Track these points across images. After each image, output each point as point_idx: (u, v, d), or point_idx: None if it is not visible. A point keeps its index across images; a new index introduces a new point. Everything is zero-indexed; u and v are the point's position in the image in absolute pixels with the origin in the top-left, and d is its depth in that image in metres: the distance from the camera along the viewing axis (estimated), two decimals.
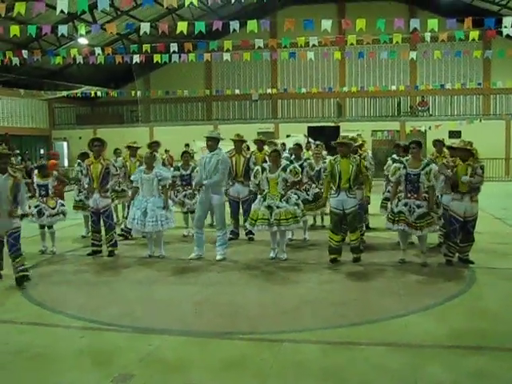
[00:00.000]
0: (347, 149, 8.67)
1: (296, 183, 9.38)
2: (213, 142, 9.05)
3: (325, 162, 10.16)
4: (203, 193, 9.08)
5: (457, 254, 8.50)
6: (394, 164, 8.73)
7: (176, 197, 11.02)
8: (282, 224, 8.66)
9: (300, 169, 9.30)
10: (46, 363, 4.99)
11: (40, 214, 9.73)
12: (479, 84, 26.63)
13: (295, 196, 9.16)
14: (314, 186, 10.63)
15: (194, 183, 9.72)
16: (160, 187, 9.19)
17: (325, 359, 4.98)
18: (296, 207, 8.83)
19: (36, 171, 10.34)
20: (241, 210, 10.87)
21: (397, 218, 8.32)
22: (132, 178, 9.60)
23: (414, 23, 13.43)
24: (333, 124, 27.95)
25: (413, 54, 19.28)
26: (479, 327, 5.73)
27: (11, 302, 6.96)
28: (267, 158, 9.86)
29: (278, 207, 8.68)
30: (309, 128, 26.63)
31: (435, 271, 8.14)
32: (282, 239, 9.03)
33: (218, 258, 8.98)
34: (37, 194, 10.00)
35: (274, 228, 8.72)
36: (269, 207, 8.71)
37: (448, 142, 11.19)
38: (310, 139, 19.57)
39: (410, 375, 4.60)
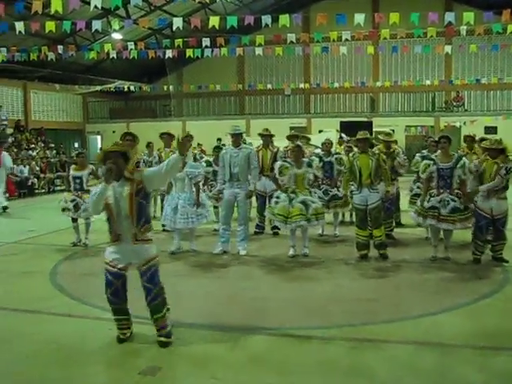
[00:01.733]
0: (366, 144, 8.61)
1: (317, 178, 9.44)
2: (237, 138, 9.06)
3: None
4: (228, 190, 9.08)
5: (487, 252, 8.35)
6: (424, 161, 8.60)
7: (210, 191, 11.04)
8: (320, 218, 8.74)
9: (328, 165, 9.29)
10: (74, 354, 5.04)
11: (76, 207, 9.84)
12: None
13: (318, 192, 9.38)
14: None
15: (218, 184, 9.58)
16: (192, 184, 9.17)
17: (353, 357, 4.93)
18: (320, 203, 8.96)
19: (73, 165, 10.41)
20: (267, 205, 10.83)
21: (430, 213, 8.19)
22: None
23: (450, 17, 13.22)
24: (366, 119, 27.69)
25: (448, 48, 18.93)
26: (511, 328, 5.61)
27: (42, 293, 7.05)
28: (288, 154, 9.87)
29: (313, 202, 8.70)
30: (341, 123, 26.39)
31: (467, 269, 7.99)
32: (303, 234, 8.97)
33: (242, 252, 9.02)
34: (71, 188, 10.11)
35: (314, 223, 8.73)
36: (303, 203, 8.66)
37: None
38: (343, 134, 19.41)
39: (439, 375, 4.52)
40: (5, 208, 15.39)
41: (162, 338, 5.17)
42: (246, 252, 9.04)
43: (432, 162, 8.29)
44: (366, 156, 8.55)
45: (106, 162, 5.06)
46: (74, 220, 10.07)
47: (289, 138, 11.59)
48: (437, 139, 8.94)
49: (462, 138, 10.57)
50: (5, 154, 16.52)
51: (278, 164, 9.11)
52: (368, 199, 8.51)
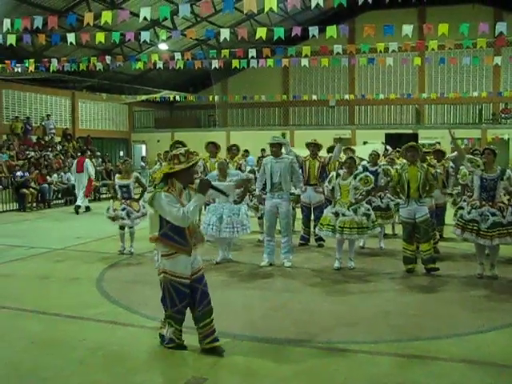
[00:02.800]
0: (417, 153, 8.45)
1: (370, 192, 9.18)
2: (277, 148, 9.02)
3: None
4: (269, 200, 9.06)
5: None
6: (464, 170, 8.39)
7: (251, 201, 11.05)
8: (345, 233, 8.51)
9: (372, 176, 9.08)
10: (120, 362, 5.08)
11: (128, 215, 9.96)
12: None
13: (367, 206, 8.94)
14: (388, 194, 10.36)
15: (257, 190, 9.58)
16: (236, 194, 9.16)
17: (401, 373, 4.83)
18: (364, 217, 8.61)
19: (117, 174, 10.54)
20: (312, 216, 10.78)
21: (469, 227, 8.00)
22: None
23: (501, 27, 12.95)
24: (411, 131, 27.35)
25: (497, 60, 18.58)
26: None
27: (89, 299, 7.15)
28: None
29: (343, 215, 8.54)
30: (386, 135, 26.13)
31: None
32: (350, 247, 8.87)
33: (287, 264, 8.95)
34: (119, 196, 10.24)
35: (337, 235, 8.58)
36: (336, 214, 8.61)
37: None
38: (388, 147, 19.21)
39: None
40: (87, 208, 17.53)
41: (217, 343, 5.21)
42: (291, 264, 8.98)
43: (480, 169, 8.05)
44: (415, 168, 8.41)
45: (185, 172, 5.11)
46: (122, 228, 10.19)
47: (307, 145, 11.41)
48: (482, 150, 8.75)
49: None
50: (87, 161, 18.26)
51: (330, 174, 9.18)
52: (416, 212, 8.36)
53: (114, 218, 10.06)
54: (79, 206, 17.30)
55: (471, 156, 8.51)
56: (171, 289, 5.17)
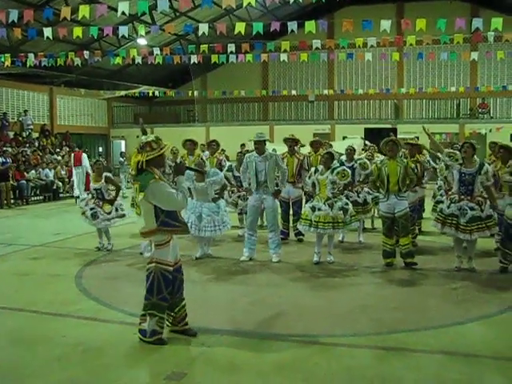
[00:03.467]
0: (396, 148, 8.52)
1: (347, 186, 9.22)
2: (261, 145, 9.00)
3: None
4: (254, 196, 9.06)
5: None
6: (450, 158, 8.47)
7: (230, 197, 11.06)
8: (320, 227, 8.54)
9: (349, 171, 9.13)
10: (100, 358, 5.07)
11: (94, 217, 9.90)
12: None
13: (346, 201, 8.93)
14: (366, 188, 10.43)
15: (244, 184, 9.60)
16: (215, 187, 9.17)
17: (379, 365, 4.88)
18: (341, 212, 8.60)
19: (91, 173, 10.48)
20: (291, 211, 10.83)
21: (448, 221, 8.10)
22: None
23: (477, 23, 13.05)
24: (390, 126, 27.52)
25: (474, 55, 18.76)
26: None
27: (68, 296, 7.11)
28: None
29: (319, 209, 8.57)
30: (365, 130, 26.30)
31: (493, 279, 7.87)
32: (329, 242, 8.92)
33: (275, 259, 8.94)
34: (94, 195, 10.20)
35: (312, 229, 8.62)
36: (313, 208, 8.64)
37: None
38: (367, 142, 19.34)
39: None
40: (77, 197, 17.67)
41: (188, 326, 5.62)
42: (280, 259, 8.98)
43: (458, 163, 8.14)
44: (394, 162, 8.47)
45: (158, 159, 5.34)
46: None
47: (312, 144, 11.48)
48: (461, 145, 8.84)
49: (488, 145, 10.41)
50: (84, 155, 19.56)
51: (311, 169, 9.19)
52: (395, 207, 8.42)
53: (82, 213, 10.06)
54: (78, 197, 17.53)
55: (450, 150, 8.58)
56: (160, 277, 5.32)
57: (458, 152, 8.38)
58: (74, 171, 19.37)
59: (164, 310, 5.42)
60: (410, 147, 9.84)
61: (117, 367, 4.87)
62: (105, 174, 10.18)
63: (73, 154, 20.11)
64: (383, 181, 8.46)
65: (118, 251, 10.01)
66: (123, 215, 10.17)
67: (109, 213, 9.95)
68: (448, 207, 8.14)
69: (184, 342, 5.41)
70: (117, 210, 10.08)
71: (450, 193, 8.56)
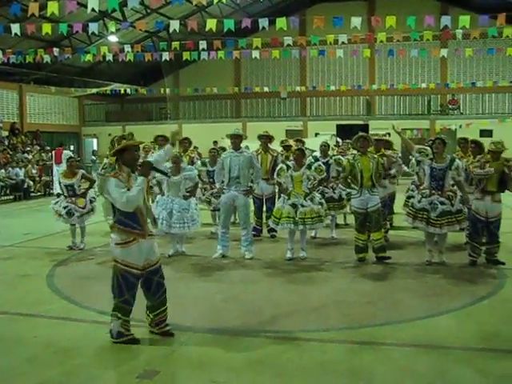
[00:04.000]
0: (367, 143, 8.62)
1: (322, 181, 9.28)
2: (238, 140, 9.03)
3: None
4: (226, 194, 9.06)
5: (483, 255, 8.38)
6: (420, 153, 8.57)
7: (203, 195, 11.05)
8: (307, 223, 8.59)
9: (325, 166, 9.20)
10: (72, 357, 5.02)
11: (69, 214, 9.82)
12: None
13: (319, 195, 9.09)
14: (340, 185, 10.51)
15: (217, 185, 9.65)
16: (187, 184, 9.15)
17: (351, 359, 4.92)
18: (320, 206, 8.74)
19: (60, 171, 10.42)
20: (264, 208, 10.87)
21: (419, 215, 8.19)
22: (157, 178, 8.95)
23: (446, 20, 13.21)
24: (362, 122, 27.72)
25: (444, 52, 18.99)
26: (510, 330, 5.61)
27: (40, 296, 7.03)
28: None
29: (302, 206, 8.60)
30: (337, 126, 26.44)
31: (463, 272, 8.01)
32: (302, 238, 8.97)
33: (248, 256, 8.96)
34: (65, 193, 10.08)
35: (300, 227, 8.63)
36: (293, 205, 8.64)
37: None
38: (338, 139, 19.46)
39: (437, 378, 4.52)
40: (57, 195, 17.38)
41: (168, 328, 5.43)
42: (252, 256, 8.99)
43: (429, 158, 8.25)
44: (367, 158, 8.54)
45: (127, 155, 5.17)
46: (72, 224, 10.04)
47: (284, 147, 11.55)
48: (433, 139, 8.94)
49: (457, 141, 10.53)
50: (65, 152, 18.70)
51: (278, 166, 9.15)
52: (368, 202, 8.50)
53: (57, 215, 9.94)
54: (59, 195, 17.44)
55: (421, 146, 8.68)
56: (120, 278, 5.17)
57: (428, 148, 8.49)
58: (54, 169, 19.16)
59: (128, 313, 5.26)
60: (376, 142, 9.88)
61: (89, 367, 4.83)
62: (81, 171, 10.24)
63: (53, 152, 20.04)
64: (356, 176, 8.50)
65: (90, 250, 9.92)
66: (93, 209, 10.11)
67: (83, 207, 9.90)
68: (419, 202, 8.24)
69: (156, 339, 5.39)
70: (91, 201, 10.07)
71: (421, 188, 8.67)
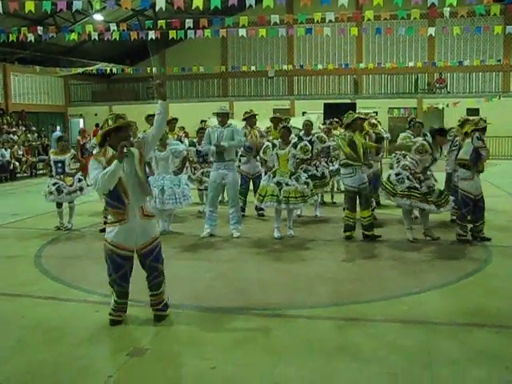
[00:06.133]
0: (363, 122, 8.67)
1: (305, 160, 9.26)
2: (224, 118, 9.01)
3: (334, 141, 10.05)
4: (215, 172, 9.05)
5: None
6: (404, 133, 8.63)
7: (194, 174, 11.04)
8: (291, 202, 8.56)
9: (310, 146, 9.17)
10: (61, 337, 5.03)
11: (59, 191, 9.77)
12: (499, 61, 26.13)
13: (305, 175, 9.07)
14: (323, 162, 10.53)
15: (210, 149, 9.55)
16: (176, 163, 9.15)
17: (339, 336, 4.97)
18: (305, 186, 8.72)
19: (51, 149, 10.35)
20: (251, 187, 10.83)
21: (410, 193, 8.21)
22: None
23: None
24: (349, 101, 27.70)
25: (431, 30, 18.92)
26: (494, 305, 5.69)
27: (27, 277, 7.02)
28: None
29: (287, 184, 8.58)
30: (325, 105, 26.40)
31: (450, 249, 8.09)
32: (289, 216, 8.98)
33: (236, 235, 8.98)
34: (53, 172, 10.02)
35: (283, 206, 8.61)
36: (278, 184, 8.63)
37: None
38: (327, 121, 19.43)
39: (424, 352, 4.58)
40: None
41: (158, 312, 5.35)
42: (240, 234, 9.01)
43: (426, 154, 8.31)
44: (360, 136, 8.59)
45: (113, 137, 5.03)
46: (59, 205, 9.99)
47: (272, 120, 11.51)
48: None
49: (448, 119, 10.61)
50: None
51: (264, 145, 9.13)
52: (360, 180, 8.56)
53: (46, 195, 9.88)
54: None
55: (417, 145, 8.57)
56: (108, 258, 5.16)
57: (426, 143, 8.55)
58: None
59: (118, 294, 5.23)
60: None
61: (78, 346, 4.83)
62: (72, 151, 10.27)
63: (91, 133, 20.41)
64: (358, 152, 8.47)
65: (78, 230, 9.91)
66: (82, 188, 10.06)
67: (71, 185, 9.86)
68: (409, 178, 8.27)
69: (145, 318, 5.42)
70: (80, 180, 10.04)
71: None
